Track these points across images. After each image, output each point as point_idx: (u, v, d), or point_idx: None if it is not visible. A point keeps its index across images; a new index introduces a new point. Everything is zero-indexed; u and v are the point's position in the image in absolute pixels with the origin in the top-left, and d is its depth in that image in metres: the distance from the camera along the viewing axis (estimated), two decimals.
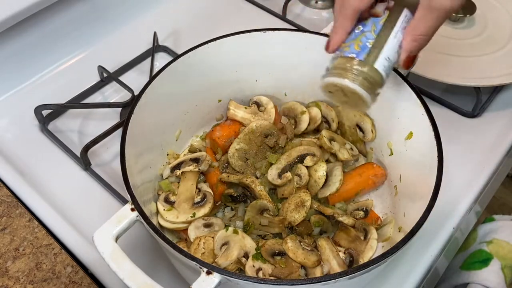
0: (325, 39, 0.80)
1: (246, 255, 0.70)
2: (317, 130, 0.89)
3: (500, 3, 1.15)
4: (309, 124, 0.87)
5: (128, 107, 0.92)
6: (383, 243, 0.75)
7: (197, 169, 0.79)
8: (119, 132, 0.92)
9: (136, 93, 0.85)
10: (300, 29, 1.14)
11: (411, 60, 0.67)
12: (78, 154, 0.88)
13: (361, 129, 0.86)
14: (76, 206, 0.85)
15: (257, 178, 0.80)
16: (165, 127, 0.84)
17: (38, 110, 0.95)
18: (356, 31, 0.66)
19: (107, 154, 0.93)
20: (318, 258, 0.70)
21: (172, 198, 0.77)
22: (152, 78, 0.76)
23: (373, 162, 0.86)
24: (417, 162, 0.73)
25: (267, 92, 0.91)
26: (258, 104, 0.89)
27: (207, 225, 0.75)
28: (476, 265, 0.95)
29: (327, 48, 0.69)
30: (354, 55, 0.65)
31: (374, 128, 0.85)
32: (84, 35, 1.10)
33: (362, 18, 0.67)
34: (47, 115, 0.98)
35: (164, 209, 0.75)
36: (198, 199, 0.77)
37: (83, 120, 0.99)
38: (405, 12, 0.66)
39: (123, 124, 0.70)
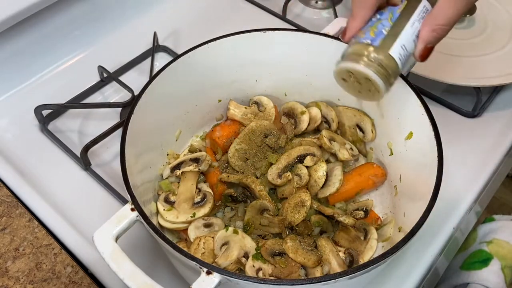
0: (325, 39, 0.80)
1: (246, 255, 0.70)
2: (317, 130, 0.89)
3: (500, 3, 1.15)
4: (309, 124, 0.87)
5: (128, 107, 0.92)
6: (383, 243, 0.75)
7: (197, 169, 0.79)
8: (119, 132, 0.92)
9: (136, 93, 0.85)
10: (300, 29, 1.13)
11: (428, 51, 0.65)
12: (78, 154, 0.88)
13: (361, 129, 0.86)
14: (76, 206, 0.85)
15: (257, 178, 0.80)
16: (165, 127, 0.84)
17: (38, 110, 0.95)
18: (373, 19, 0.66)
19: (107, 154, 0.93)
20: (318, 258, 0.70)
21: (172, 198, 0.77)
22: (152, 78, 0.76)
23: (373, 162, 0.86)
24: (417, 162, 0.73)
25: (267, 92, 0.91)
26: (258, 104, 0.89)
27: (207, 225, 0.75)
28: (476, 265, 0.95)
29: (343, 35, 0.68)
30: (369, 41, 0.64)
31: (374, 128, 0.85)
32: (84, 35, 1.10)
33: (380, 7, 0.66)
34: (47, 115, 0.98)
35: (164, 209, 0.75)
36: (198, 199, 0.77)
37: (83, 120, 0.99)
38: (424, 3, 0.65)
39: (123, 124, 0.70)
